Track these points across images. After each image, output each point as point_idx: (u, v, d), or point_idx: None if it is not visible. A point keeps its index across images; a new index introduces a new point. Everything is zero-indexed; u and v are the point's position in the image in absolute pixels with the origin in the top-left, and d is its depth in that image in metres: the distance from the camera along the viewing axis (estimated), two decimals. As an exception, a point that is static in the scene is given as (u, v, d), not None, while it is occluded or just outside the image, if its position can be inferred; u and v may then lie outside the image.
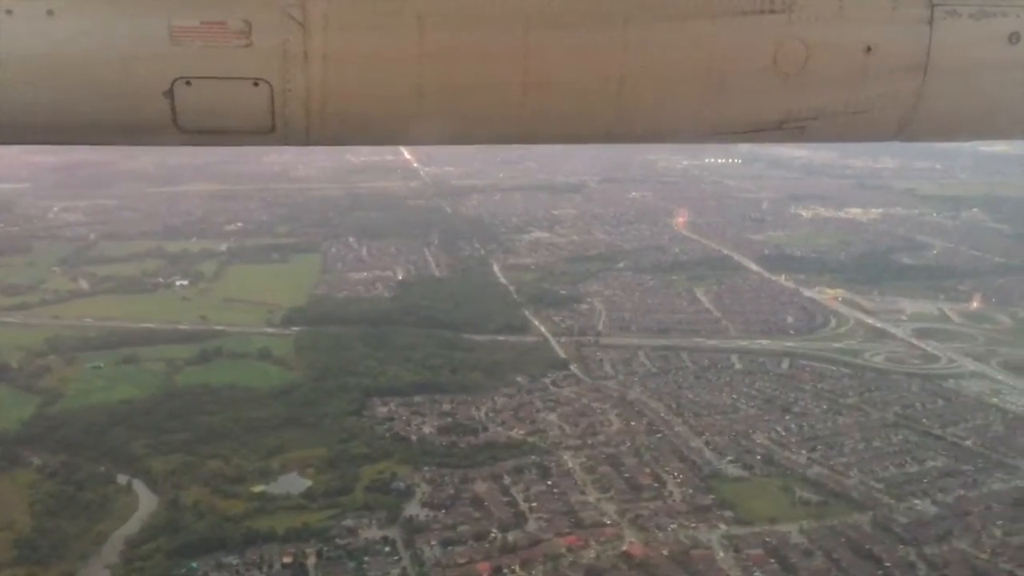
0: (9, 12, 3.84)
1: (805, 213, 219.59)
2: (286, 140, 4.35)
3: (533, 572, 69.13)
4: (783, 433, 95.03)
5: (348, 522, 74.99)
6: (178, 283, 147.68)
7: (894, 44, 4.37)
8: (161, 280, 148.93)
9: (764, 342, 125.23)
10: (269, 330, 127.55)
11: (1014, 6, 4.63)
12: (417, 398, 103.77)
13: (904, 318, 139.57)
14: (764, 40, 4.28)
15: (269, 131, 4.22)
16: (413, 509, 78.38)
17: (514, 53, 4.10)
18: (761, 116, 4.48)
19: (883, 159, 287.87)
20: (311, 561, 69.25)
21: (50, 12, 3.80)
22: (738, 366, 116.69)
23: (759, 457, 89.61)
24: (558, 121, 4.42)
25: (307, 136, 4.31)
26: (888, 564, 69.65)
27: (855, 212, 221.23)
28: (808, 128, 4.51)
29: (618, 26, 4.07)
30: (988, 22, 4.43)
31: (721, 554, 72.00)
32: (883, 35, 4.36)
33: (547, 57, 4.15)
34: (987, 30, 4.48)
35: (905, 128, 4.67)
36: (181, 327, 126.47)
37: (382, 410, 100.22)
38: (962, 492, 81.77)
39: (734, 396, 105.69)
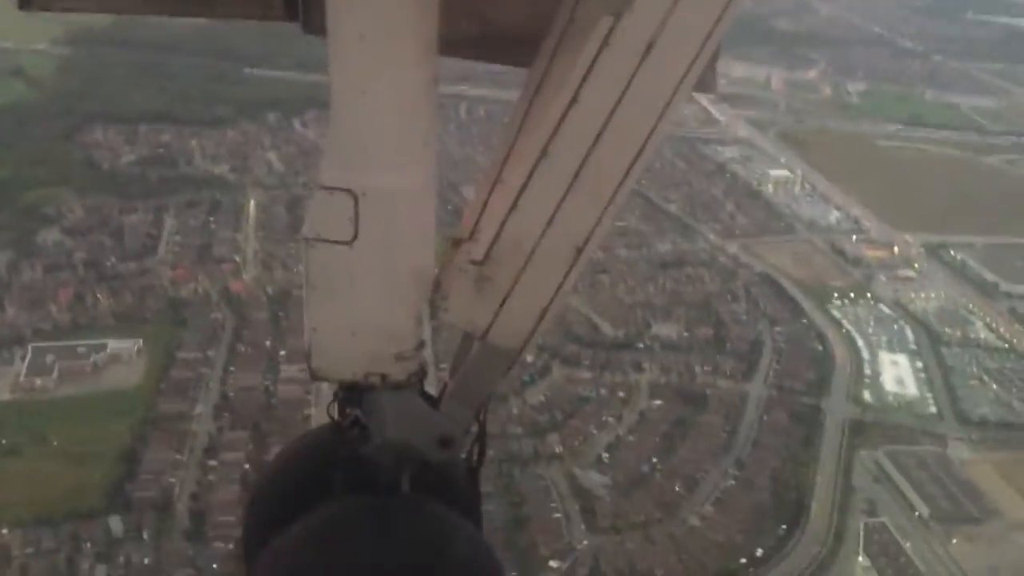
0: None
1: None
2: None
3: (120, 298, 69.14)
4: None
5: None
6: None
7: None
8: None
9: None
10: (44, 47, 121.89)
11: None
12: (142, 127, 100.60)
13: (723, 82, 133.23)
14: None
15: None
16: (50, 235, 77.33)
17: None
18: None
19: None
20: None
21: None
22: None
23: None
24: None
25: None
26: None
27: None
28: None
29: None
30: None
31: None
32: None
33: None
34: None
35: None
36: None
37: (95, 136, 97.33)
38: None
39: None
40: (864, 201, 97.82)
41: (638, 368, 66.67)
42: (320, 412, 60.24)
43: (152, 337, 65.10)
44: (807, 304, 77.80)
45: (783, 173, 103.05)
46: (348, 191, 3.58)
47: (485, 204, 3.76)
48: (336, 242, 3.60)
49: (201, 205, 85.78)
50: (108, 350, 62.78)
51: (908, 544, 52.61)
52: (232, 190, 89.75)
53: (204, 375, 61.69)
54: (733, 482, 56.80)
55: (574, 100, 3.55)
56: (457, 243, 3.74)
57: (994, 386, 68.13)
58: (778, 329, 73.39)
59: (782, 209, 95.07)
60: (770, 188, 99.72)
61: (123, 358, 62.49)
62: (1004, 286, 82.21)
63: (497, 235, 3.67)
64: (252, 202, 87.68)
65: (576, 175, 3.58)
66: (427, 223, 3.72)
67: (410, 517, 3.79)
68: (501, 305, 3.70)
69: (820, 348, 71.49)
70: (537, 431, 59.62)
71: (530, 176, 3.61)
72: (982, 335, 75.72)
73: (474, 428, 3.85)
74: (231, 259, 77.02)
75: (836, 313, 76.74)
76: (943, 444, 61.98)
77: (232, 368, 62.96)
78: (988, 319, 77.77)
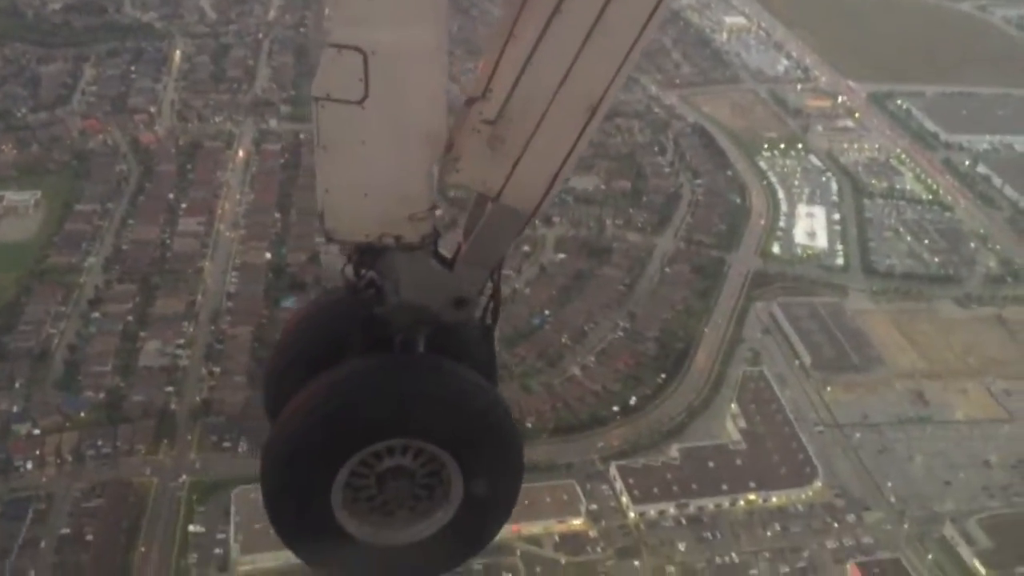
0: None
1: None
2: None
3: (26, 149, 68.25)
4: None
5: None
6: None
7: None
8: None
9: None
10: None
11: None
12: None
13: None
14: None
15: None
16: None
17: None
18: None
19: None
20: None
21: None
22: None
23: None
24: None
25: None
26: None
27: None
28: None
29: None
30: None
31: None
32: None
33: None
34: None
35: None
36: None
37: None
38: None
39: None
40: (819, 49, 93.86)
41: (547, 222, 65.36)
42: (214, 266, 60.24)
43: (53, 189, 64.46)
44: (736, 156, 75.75)
45: (739, 20, 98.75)
46: (357, 49, 3.45)
47: (497, 62, 3.63)
48: (346, 101, 3.49)
49: (124, 54, 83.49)
50: (4, 201, 62.30)
51: (785, 392, 52.78)
52: (159, 38, 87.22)
53: (100, 228, 61.29)
54: (621, 334, 56.63)
55: None
56: (470, 102, 3.66)
57: (908, 237, 66.74)
58: (699, 182, 71.70)
59: (731, 58, 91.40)
60: (723, 36, 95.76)
61: (19, 210, 62.07)
62: (944, 136, 79.41)
63: (510, 93, 3.59)
64: (177, 52, 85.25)
65: (591, 31, 3.46)
66: (439, 82, 3.60)
67: (427, 373, 3.87)
68: (514, 166, 3.66)
69: (738, 201, 69.91)
70: (432, 285, 59.24)
71: (544, 32, 3.49)
72: (908, 186, 73.68)
73: (488, 289, 3.90)
74: (146, 110, 75.42)
75: (763, 165, 74.64)
76: (843, 295, 61.30)
77: (131, 221, 62.44)
78: (919, 170, 75.50)
